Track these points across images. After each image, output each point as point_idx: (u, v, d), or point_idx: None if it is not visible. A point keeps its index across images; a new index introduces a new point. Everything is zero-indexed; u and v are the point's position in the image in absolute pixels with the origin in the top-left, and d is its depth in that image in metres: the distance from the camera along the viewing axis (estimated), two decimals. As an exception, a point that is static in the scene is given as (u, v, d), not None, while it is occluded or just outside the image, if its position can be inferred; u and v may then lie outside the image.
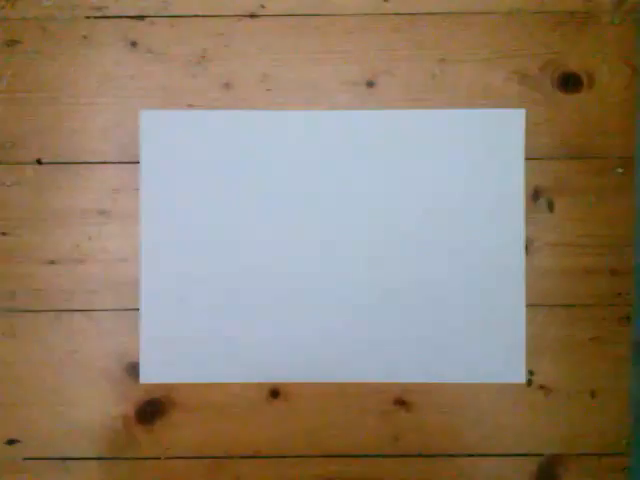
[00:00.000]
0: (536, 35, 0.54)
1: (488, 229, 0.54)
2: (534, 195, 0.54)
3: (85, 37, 0.54)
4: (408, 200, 0.54)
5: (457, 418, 0.54)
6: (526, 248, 0.54)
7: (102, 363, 0.54)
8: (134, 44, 0.54)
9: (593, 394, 0.54)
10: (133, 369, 0.54)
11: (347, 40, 0.54)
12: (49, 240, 0.54)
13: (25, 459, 0.55)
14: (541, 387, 0.54)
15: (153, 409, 0.54)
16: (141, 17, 0.54)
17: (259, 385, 0.54)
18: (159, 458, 0.54)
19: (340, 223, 0.54)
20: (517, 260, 0.54)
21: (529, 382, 0.54)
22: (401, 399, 0.54)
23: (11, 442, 0.54)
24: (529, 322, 0.54)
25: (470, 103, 0.54)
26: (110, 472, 0.54)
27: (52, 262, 0.54)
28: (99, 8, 0.54)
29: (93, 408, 0.54)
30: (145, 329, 0.54)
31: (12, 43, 0.54)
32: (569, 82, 0.54)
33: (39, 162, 0.54)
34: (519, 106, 0.54)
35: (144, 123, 0.54)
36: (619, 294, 0.54)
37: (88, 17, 0.54)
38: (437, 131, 0.54)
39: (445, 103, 0.54)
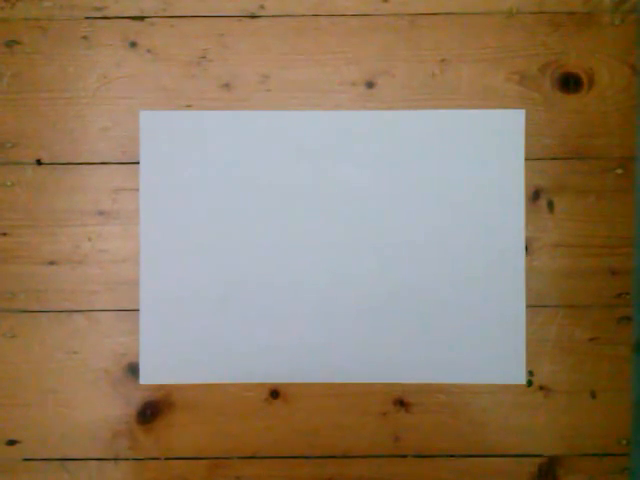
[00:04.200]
0: (536, 35, 0.54)
1: (488, 229, 0.54)
2: (534, 195, 0.54)
3: (85, 37, 0.54)
4: (408, 201, 0.54)
5: (457, 418, 0.54)
6: (526, 249, 0.54)
7: (102, 364, 0.54)
8: (134, 44, 0.54)
9: (593, 394, 0.54)
10: (133, 370, 0.54)
11: (347, 41, 0.54)
12: (49, 240, 0.54)
13: (25, 460, 0.55)
14: (541, 388, 0.54)
15: (153, 410, 0.54)
16: (141, 17, 0.54)
17: (259, 386, 0.54)
18: (159, 458, 0.54)
19: (340, 224, 0.54)
20: (517, 261, 0.54)
21: (529, 383, 0.54)
22: (401, 399, 0.54)
23: (11, 442, 0.54)
24: (529, 323, 0.54)
25: (470, 103, 0.54)
26: (110, 473, 0.54)
27: (52, 262, 0.54)
28: (99, 8, 0.54)
29: (93, 409, 0.54)
30: (145, 330, 0.54)
31: (12, 43, 0.54)
32: (569, 82, 0.54)
33: (39, 162, 0.54)
34: (519, 106, 0.54)
35: (144, 123, 0.54)
36: (619, 294, 0.54)
37: (88, 17, 0.54)
38: (437, 132, 0.54)
39: (445, 104, 0.54)
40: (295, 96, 0.54)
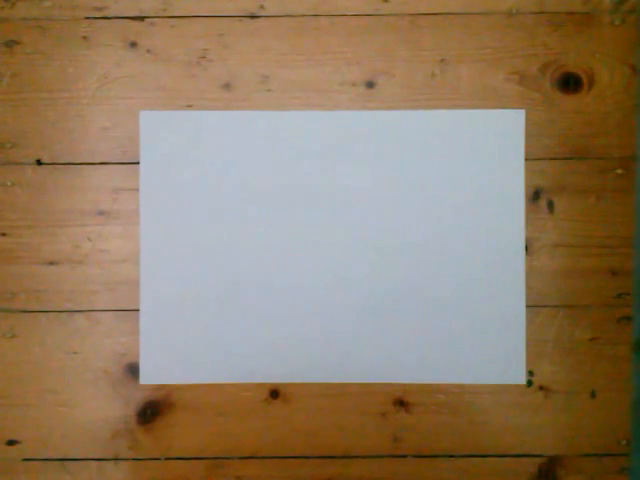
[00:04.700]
0: (536, 35, 0.54)
1: (488, 230, 0.54)
2: (534, 195, 0.54)
3: (85, 37, 0.54)
4: (408, 201, 0.54)
5: (457, 418, 0.54)
6: (526, 249, 0.54)
7: (102, 364, 0.54)
8: (134, 44, 0.54)
9: (593, 394, 0.54)
10: (133, 370, 0.54)
11: (347, 41, 0.54)
12: (49, 241, 0.54)
13: (25, 460, 0.55)
14: (541, 388, 0.54)
15: (153, 410, 0.54)
16: (141, 17, 0.54)
17: (259, 386, 0.54)
18: (159, 459, 0.54)
19: (340, 224, 0.54)
20: (517, 261, 0.54)
21: (529, 383, 0.54)
22: (401, 399, 0.54)
23: (11, 443, 0.54)
24: (529, 323, 0.54)
25: (470, 103, 0.54)
26: (110, 473, 0.54)
27: (52, 263, 0.54)
28: (99, 8, 0.54)
29: (93, 409, 0.54)
30: (145, 330, 0.54)
31: (12, 43, 0.54)
32: (569, 82, 0.54)
33: (39, 162, 0.54)
34: (519, 106, 0.54)
35: (144, 123, 0.54)
36: (619, 294, 0.54)
37: (88, 17, 0.54)
38: (437, 132, 0.54)
39: (445, 103, 0.54)
40: (295, 96, 0.54)
